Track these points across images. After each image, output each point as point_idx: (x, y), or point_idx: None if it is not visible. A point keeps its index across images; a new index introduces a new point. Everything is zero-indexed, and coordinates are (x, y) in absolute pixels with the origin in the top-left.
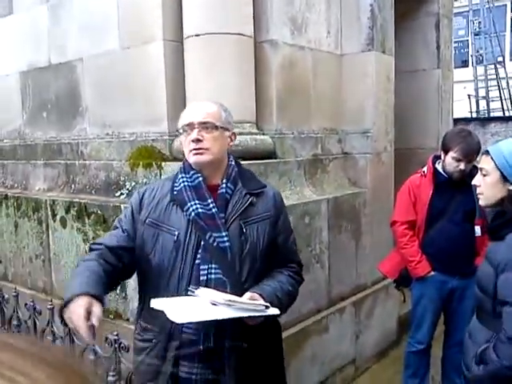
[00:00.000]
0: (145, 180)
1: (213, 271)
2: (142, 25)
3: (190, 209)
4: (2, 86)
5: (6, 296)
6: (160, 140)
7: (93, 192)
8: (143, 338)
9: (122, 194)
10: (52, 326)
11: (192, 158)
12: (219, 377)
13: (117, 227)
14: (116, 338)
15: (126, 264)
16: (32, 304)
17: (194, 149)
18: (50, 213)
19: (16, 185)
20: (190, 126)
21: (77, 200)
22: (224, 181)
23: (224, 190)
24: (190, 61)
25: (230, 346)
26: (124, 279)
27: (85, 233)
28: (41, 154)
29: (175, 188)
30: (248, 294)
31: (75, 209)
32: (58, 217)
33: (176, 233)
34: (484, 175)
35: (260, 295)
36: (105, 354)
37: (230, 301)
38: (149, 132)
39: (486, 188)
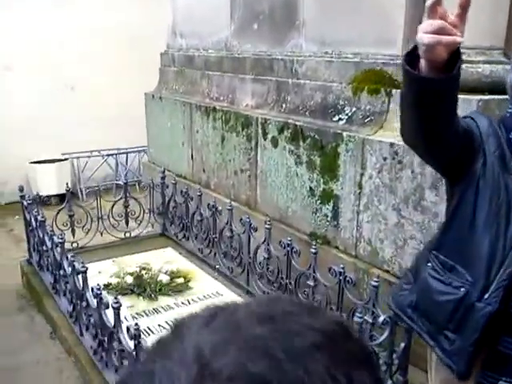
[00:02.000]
0: (368, 107)
1: None
2: None
3: None
4: None
5: (220, 208)
6: (391, 64)
7: (306, 114)
8: (443, 278)
9: (340, 119)
10: (268, 244)
11: None
12: None
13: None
14: (342, 270)
15: (457, 146)
16: (248, 220)
17: None
18: (260, 131)
19: (222, 98)
20: None
21: (291, 121)
22: None
23: None
24: None
25: None
26: (440, 148)
27: (298, 156)
28: (249, 69)
29: None
30: None
31: (289, 130)
32: (269, 136)
33: None
34: None
35: None
36: (326, 282)
37: None
38: (377, 54)
39: None
